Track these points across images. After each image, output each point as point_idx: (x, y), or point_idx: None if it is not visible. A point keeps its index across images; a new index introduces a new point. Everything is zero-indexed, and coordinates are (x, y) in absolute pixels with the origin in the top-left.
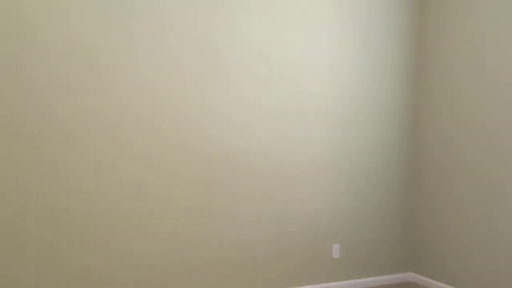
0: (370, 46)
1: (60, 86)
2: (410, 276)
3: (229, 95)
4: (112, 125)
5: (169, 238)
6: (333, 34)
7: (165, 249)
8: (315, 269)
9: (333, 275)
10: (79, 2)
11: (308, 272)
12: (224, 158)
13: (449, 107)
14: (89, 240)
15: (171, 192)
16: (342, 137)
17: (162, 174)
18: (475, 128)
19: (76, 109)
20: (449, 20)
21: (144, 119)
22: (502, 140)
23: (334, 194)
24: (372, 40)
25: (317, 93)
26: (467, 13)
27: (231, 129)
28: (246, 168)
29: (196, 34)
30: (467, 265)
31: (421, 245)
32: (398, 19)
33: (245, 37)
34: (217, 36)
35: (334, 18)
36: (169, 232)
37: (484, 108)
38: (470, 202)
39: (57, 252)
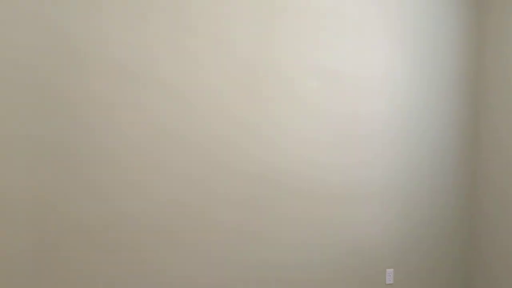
0: (425, 59)
1: (99, 100)
2: None
3: (284, 108)
4: (152, 142)
5: (207, 257)
6: (386, 47)
7: (202, 269)
8: None
9: None
10: (118, 16)
11: None
12: (268, 178)
13: (511, 121)
14: (127, 260)
15: (211, 211)
16: (395, 156)
17: (202, 193)
18: None
19: (116, 125)
20: (510, 27)
21: (185, 137)
22: None
23: (387, 215)
24: (427, 53)
25: (369, 109)
26: None
27: (276, 148)
28: (292, 189)
29: (243, 48)
30: None
31: (480, 270)
32: (455, 31)
33: (301, 51)
34: (266, 50)
35: (387, 31)
36: (207, 252)
37: None
38: None
39: (93, 273)
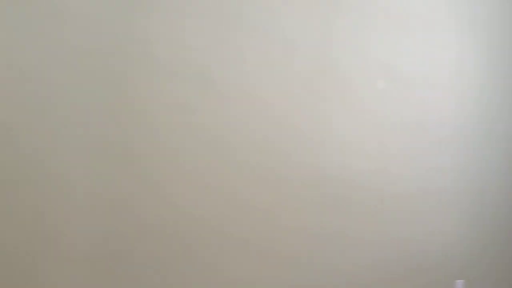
0: (499, 61)
1: (159, 101)
2: None
3: (346, 111)
4: (223, 144)
5: (277, 262)
6: (457, 47)
7: (269, 274)
8: None
9: None
10: (176, 16)
11: None
12: (339, 179)
13: None
14: (191, 266)
15: (282, 213)
16: (467, 164)
17: (274, 195)
18: None
19: (185, 128)
20: None
21: (258, 138)
22: None
23: (460, 225)
24: (502, 53)
25: (437, 114)
26: None
27: (347, 148)
28: (362, 191)
29: (312, 48)
30: None
31: None
32: None
33: (364, 50)
34: (335, 49)
35: (458, 30)
36: (276, 256)
37: None
38: None
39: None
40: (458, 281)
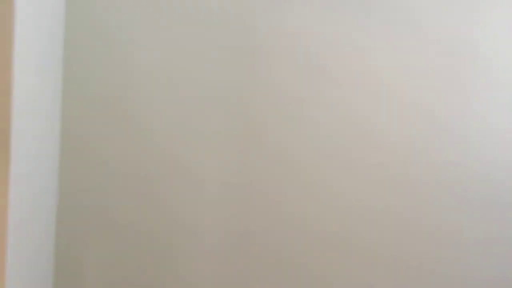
0: None
1: (288, 97)
2: None
3: (500, 106)
4: (342, 141)
5: (406, 273)
6: None
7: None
8: None
9: None
10: (305, 7)
11: None
12: (488, 180)
13: None
14: (300, 270)
15: (417, 218)
16: None
17: (407, 197)
18: None
19: (304, 122)
20: None
21: (380, 133)
22: None
23: None
24: None
25: None
26: None
27: (502, 146)
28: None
29: (450, 33)
30: None
31: None
32: None
33: None
34: (479, 35)
35: None
36: (406, 266)
37: None
38: None
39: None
40: None
